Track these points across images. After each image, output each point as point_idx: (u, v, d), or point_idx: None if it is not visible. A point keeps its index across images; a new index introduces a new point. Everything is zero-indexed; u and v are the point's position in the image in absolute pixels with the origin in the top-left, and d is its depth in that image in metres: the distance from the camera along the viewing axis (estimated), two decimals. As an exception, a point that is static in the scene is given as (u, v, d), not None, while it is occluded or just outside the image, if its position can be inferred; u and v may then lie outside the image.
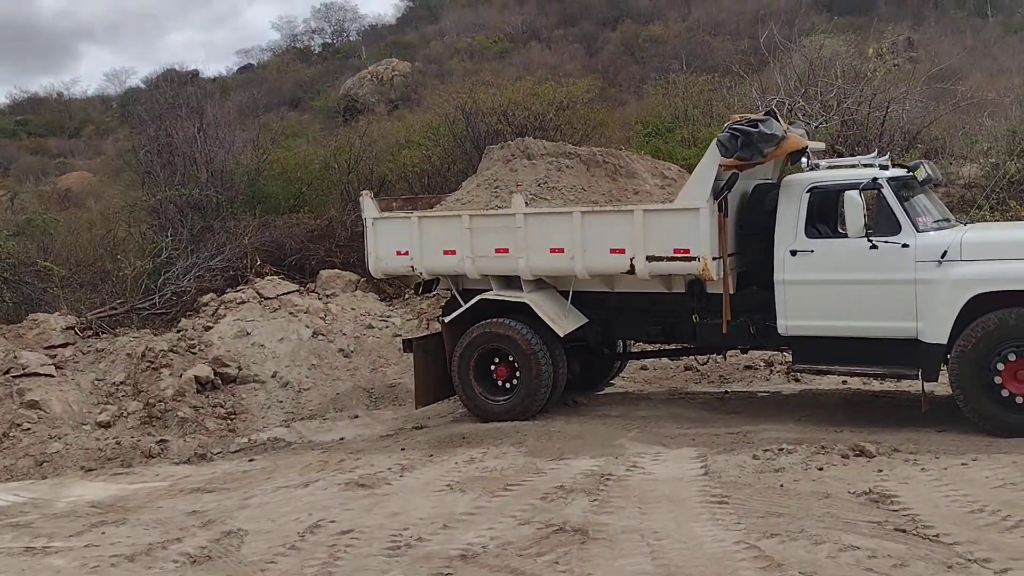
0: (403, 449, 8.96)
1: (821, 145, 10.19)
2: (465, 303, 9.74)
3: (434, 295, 11.02)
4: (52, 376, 11.54)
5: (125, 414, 10.99)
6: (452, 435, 9.22)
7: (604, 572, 5.00)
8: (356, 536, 6.03)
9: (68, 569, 5.93)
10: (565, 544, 5.50)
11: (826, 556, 4.96)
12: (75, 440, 10.30)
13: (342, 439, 10.14)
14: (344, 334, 13.08)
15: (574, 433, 8.78)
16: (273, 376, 12.02)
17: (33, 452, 10.10)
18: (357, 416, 11.24)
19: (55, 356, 12.16)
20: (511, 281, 9.55)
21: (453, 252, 9.50)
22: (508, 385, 9.54)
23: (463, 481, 7.28)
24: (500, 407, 9.50)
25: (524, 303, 9.31)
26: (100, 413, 10.95)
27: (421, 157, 17.25)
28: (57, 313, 12.97)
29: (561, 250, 9.03)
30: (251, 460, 9.53)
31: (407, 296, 14.01)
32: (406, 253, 9.79)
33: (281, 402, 11.59)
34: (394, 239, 9.89)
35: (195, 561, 5.83)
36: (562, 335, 9.29)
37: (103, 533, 6.90)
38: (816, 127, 15.44)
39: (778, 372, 11.27)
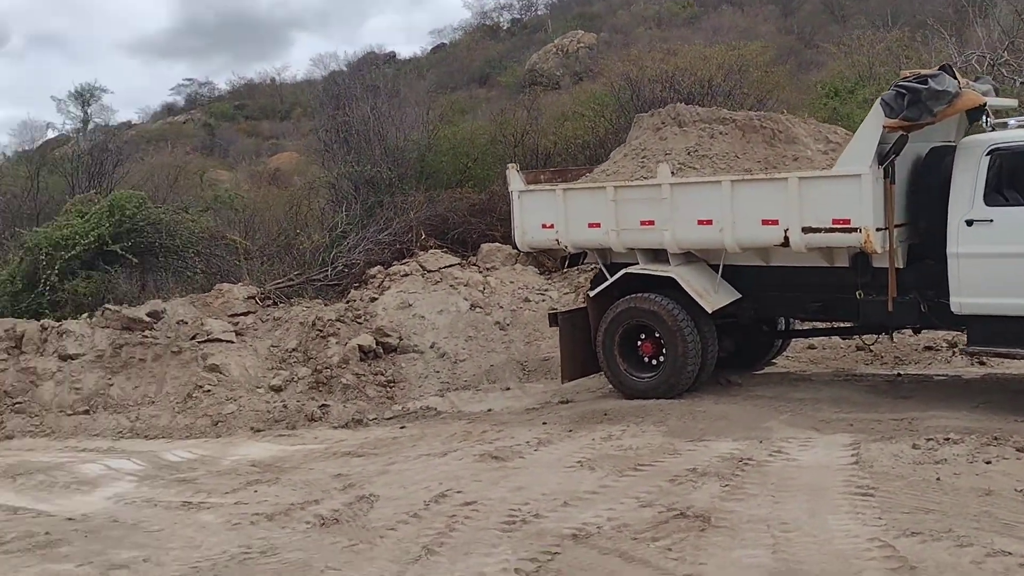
0: (544, 423, 8.92)
1: (1012, 102, 9.11)
2: (611, 277, 9.52)
3: (593, 268, 10.86)
4: (232, 342, 12.37)
5: (295, 379, 11.61)
6: (595, 411, 9.08)
7: (717, 563, 4.73)
8: (477, 508, 6.05)
9: (213, 524, 6.32)
10: (683, 530, 5.26)
11: (969, 561, 4.45)
12: (248, 402, 11.01)
13: (489, 410, 10.24)
14: (501, 307, 13.18)
15: (720, 414, 8.41)
16: (431, 347, 12.31)
17: (211, 412, 10.89)
18: (509, 388, 11.32)
19: (237, 323, 13.02)
20: (658, 254, 9.23)
21: (598, 225, 9.29)
22: (654, 362, 9.26)
23: (594, 458, 7.14)
24: (645, 384, 9.24)
25: (671, 277, 8.97)
26: (273, 378, 11.63)
27: (585, 128, 17.03)
28: (240, 283, 13.87)
29: (709, 222, 8.61)
30: (402, 427, 9.82)
31: (566, 270, 13.94)
32: (551, 226, 9.68)
33: (438, 372, 11.85)
34: (539, 212, 9.80)
35: (324, 523, 6.05)
36: (710, 311, 8.89)
37: (255, 491, 7.32)
38: (1022, 83, 13.90)
39: (960, 354, 10.27)
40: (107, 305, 12.78)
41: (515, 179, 9.98)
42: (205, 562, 5.38)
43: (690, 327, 8.90)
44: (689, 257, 9.14)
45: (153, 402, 11.50)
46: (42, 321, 12.65)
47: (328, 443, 9.33)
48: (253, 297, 13.66)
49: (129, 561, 5.53)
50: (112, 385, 11.86)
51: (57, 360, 12.19)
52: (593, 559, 4.89)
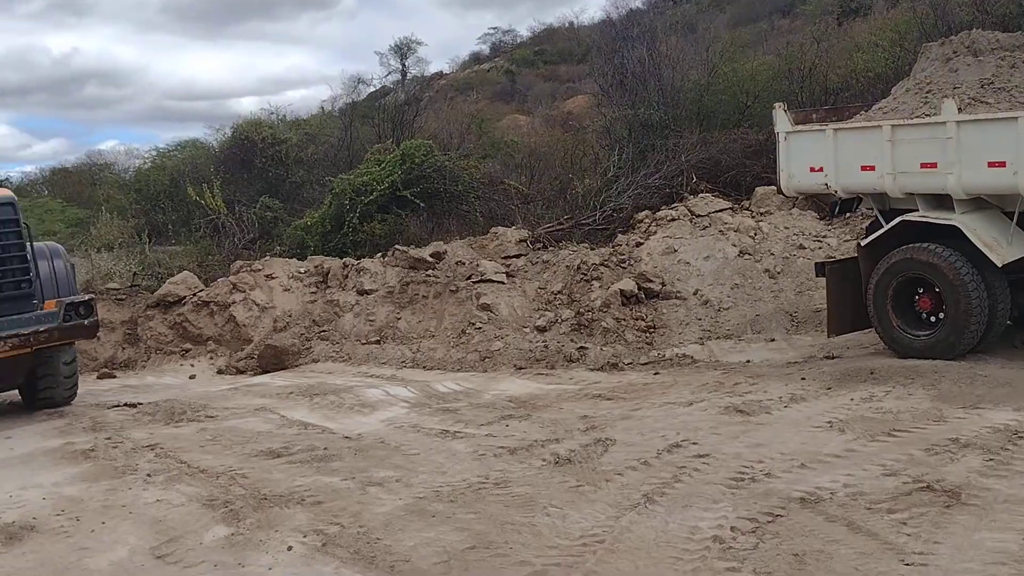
0: (803, 379, 8.53)
1: None
2: (886, 225, 8.77)
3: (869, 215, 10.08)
4: (503, 283, 13.02)
5: (559, 321, 12.00)
6: (860, 369, 8.51)
7: (955, 543, 4.32)
8: (708, 461, 5.98)
9: (461, 453, 6.81)
10: (926, 504, 4.84)
11: None
12: (513, 341, 11.58)
13: (748, 362, 9.96)
14: (772, 254, 12.65)
15: (1004, 380, 7.53)
16: (695, 293, 12.14)
17: (480, 348, 11.60)
18: (773, 340, 10.91)
19: (509, 265, 13.66)
20: (941, 200, 8.33)
21: (872, 168, 8.56)
22: (932, 319, 8.47)
23: (847, 420, 6.73)
24: (920, 343, 8.49)
25: (954, 226, 8.09)
26: (539, 318, 12.11)
27: (879, 61, 15.59)
28: (514, 227, 14.51)
29: (1002, 164, 7.61)
30: (656, 374, 9.85)
31: (848, 215, 13.02)
32: (820, 169, 9.07)
33: (699, 319, 11.68)
34: (807, 154, 9.22)
35: (558, 462, 6.29)
36: (1000, 264, 7.92)
37: (507, 426, 7.75)
38: None
39: None
40: (397, 246, 13.95)
41: (781, 119, 9.44)
42: (446, 488, 5.82)
43: (975, 282, 8.01)
44: (978, 204, 8.17)
45: (433, 336, 12.45)
46: (344, 259, 14.13)
47: (582, 384, 9.61)
48: (525, 240, 14.24)
49: (384, 479, 6.13)
50: (400, 319, 13.01)
51: (355, 294, 13.59)
52: (816, 525, 4.66)
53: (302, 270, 14.25)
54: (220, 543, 5.05)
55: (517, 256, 14.00)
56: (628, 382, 9.52)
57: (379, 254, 14.16)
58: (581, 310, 12.06)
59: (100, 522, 5.60)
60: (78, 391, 10.17)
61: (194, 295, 13.98)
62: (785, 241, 12.91)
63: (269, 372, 12.08)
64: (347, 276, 13.88)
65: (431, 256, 13.84)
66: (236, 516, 5.48)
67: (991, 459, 5.53)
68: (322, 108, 24.26)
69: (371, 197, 15.21)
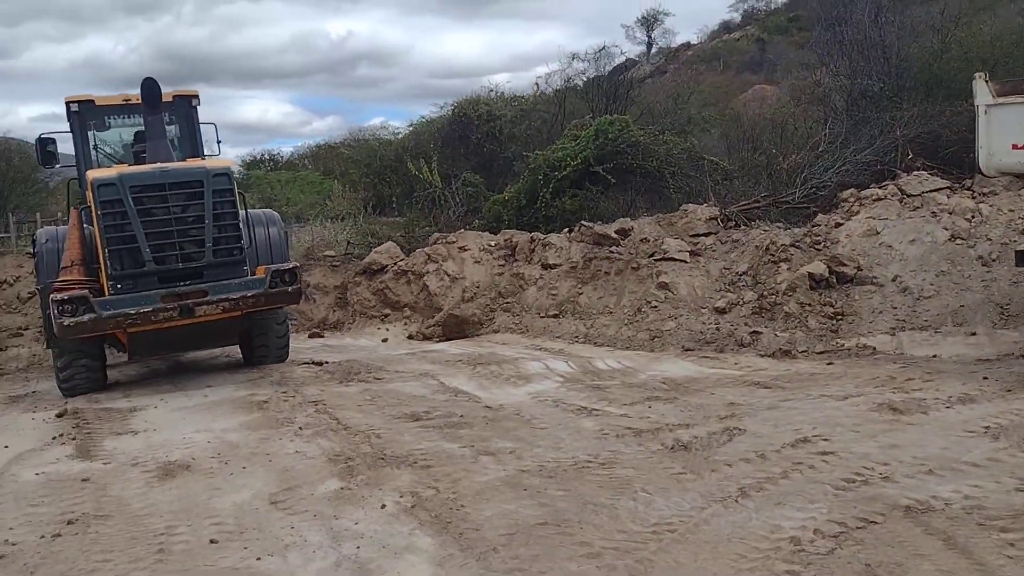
0: (985, 378, 7.72)
1: None
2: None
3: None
4: (686, 262, 12.74)
5: (740, 303, 11.57)
6: (1058, 372, 7.54)
7: (1062, 576, 3.79)
8: (829, 459, 5.61)
9: (587, 431, 6.83)
10: (1053, 529, 4.27)
11: None
12: (686, 321, 11.33)
13: (934, 356, 9.12)
14: (989, 239, 11.40)
15: None
16: (893, 280, 11.22)
17: (652, 327, 11.46)
18: (974, 334, 9.87)
19: (696, 244, 13.33)
20: None
21: (1085, 145, 7.49)
22: None
23: (1007, 427, 6.03)
24: None
25: None
26: (719, 300, 11.74)
27: None
28: (705, 204, 14.10)
29: None
30: (829, 363, 9.28)
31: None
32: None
33: (895, 308, 10.79)
34: (1012, 129, 8.21)
35: (674, 447, 6.16)
36: None
37: (648, 407, 7.66)
38: None
39: None
40: (583, 221, 14.03)
41: (982, 90, 8.46)
42: (552, 463, 5.89)
43: None
44: None
45: (611, 312, 12.44)
46: (532, 234, 14.42)
47: (746, 370, 9.25)
48: (715, 218, 13.80)
49: (499, 450, 6.30)
50: (581, 294, 13.12)
51: (540, 268, 13.86)
52: (910, 536, 4.26)
53: (492, 243, 14.72)
54: (328, 495, 5.46)
55: (706, 234, 13.62)
56: (795, 371, 9.05)
57: (566, 229, 14.30)
58: (765, 292, 11.55)
59: (241, 467, 6.22)
60: (290, 349, 11.14)
61: (395, 264, 14.88)
62: (1007, 225, 11.58)
63: (451, 340, 12.66)
64: (533, 250, 14.17)
65: (616, 232, 13.80)
66: (351, 472, 5.88)
67: None
68: (536, 85, 24.60)
69: (564, 172, 15.35)
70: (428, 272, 14.36)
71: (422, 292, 14.29)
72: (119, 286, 8.99)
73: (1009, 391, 7.09)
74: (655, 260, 12.84)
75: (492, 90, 25.12)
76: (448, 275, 14.29)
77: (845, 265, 11.51)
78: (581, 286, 13.26)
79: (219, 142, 11.87)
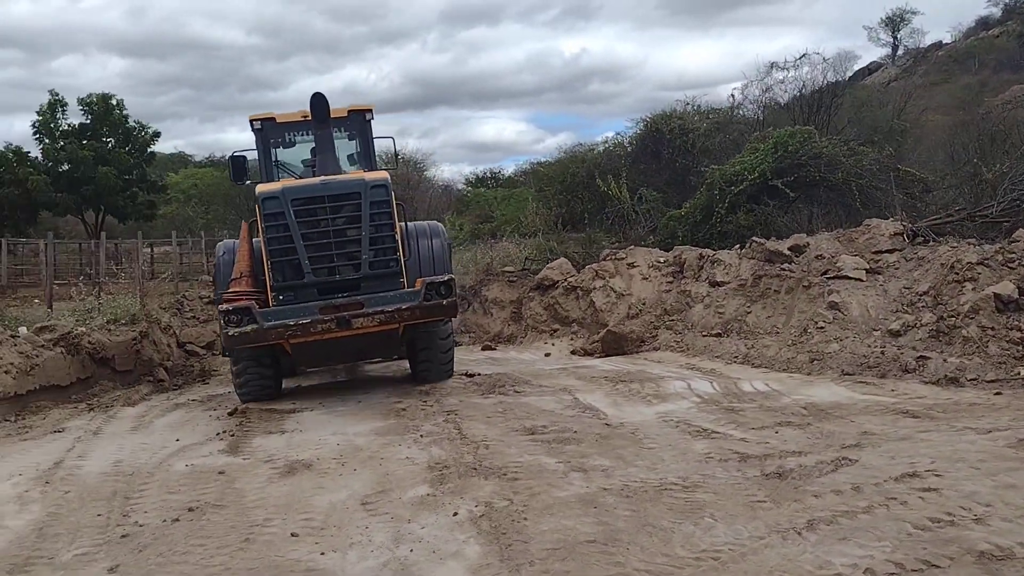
0: None
1: None
2: None
3: None
4: (861, 280, 11.99)
5: (917, 325, 10.74)
6: None
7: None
8: (926, 497, 5.18)
9: (693, 453, 6.68)
10: None
11: None
12: (852, 344, 10.67)
13: None
14: None
15: None
16: (1097, 302, 10.00)
17: (814, 349, 10.89)
18: None
19: (878, 261, 12.51)
20: None
21: None
22: None
23: None
24: None
25: None
26: (894, 321, 10.97)
27: None
28: (892, 219, 13.19)
29: None
30: (997, 394, 8.44)
31: None
32: None
33: (1098, 334, 9.60)
34: None
35: (767, 475, 5.92)
36: None
37: (776, 432, 7.38)
38: None
39: None
40: (755, 238, 13.59)
41: None
42: (636, 483, 5.86)
43: None
44: None
45: (778, 332, 11.97)
46: (700, 250, 14.15)
47: (901, 398, 8.62)
48: (900, 234, 12.90)
49: (594, 467, 6.34)
50: (750, 313, 12.72)
51: (708, 285, 13.59)
52: (969, 587, 3.90)
53: (661, 259, 14.59)
54: (413, 500, 5.77)
55: (889, 251, 12.76)
56: (955, 400, 8.31)
57: (736, 246, 13.90)
58: (945, 314, 10.65)
59: (353, 468, 6.69)
60: (455, 363, 11.03)
61: (565, 280, 15.13)
62: None
63: (610, 356, 12.70)
64: (702, 267, 13.91)
65: (789, 249, 13.26)
66: (442, 480, 6.16)
67: None
68: (732, 96, 23.97)
69: (740, 187, 14.92)
70: (595, 288, 14.49)
71: (589, 308, 14.44)
72: (281, 297, 9.29)
73: None
74: (827, 278, 12.21)
75: (688, 103, 24.80)
76: (614, 291, 14.34)
77: (1040, 285, 10.38)
78: (749, 305, 12.84)
79: (397, 155, 12.17)
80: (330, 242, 9.32)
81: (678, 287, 13.93)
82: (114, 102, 34.45)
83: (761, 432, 7.39)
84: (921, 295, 11.29)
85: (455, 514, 5.41)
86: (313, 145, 10.99)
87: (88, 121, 34.25)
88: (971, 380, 9.08)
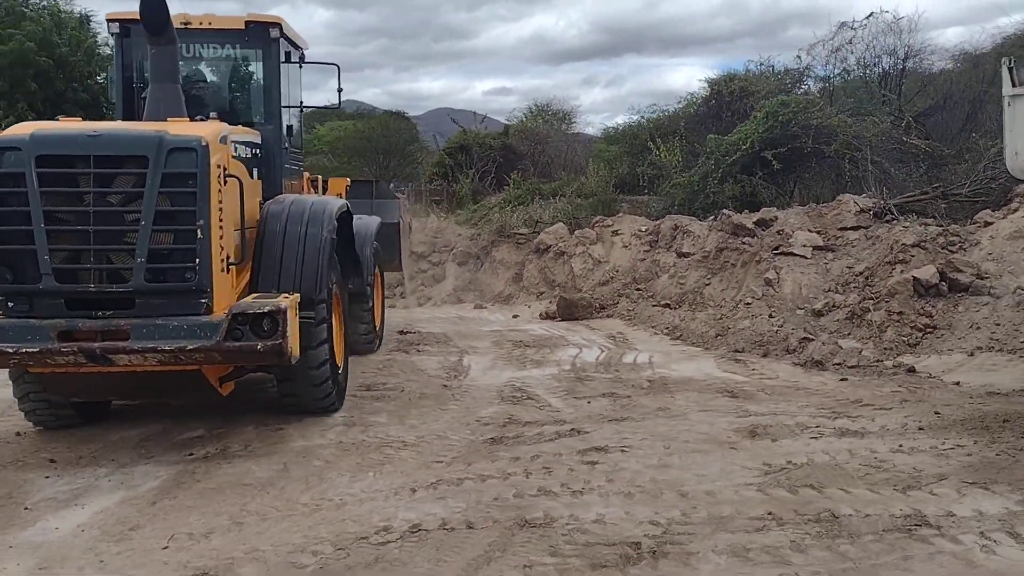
0: (937, 413, 6.72)
1: None
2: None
3: None
4: (806, 258, 11.91)
5: (841, 306, 10.69)
6: None
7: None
8: (552, 470, 5.67)
9: (472, 413, 7.35)
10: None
11: None
12: (760, 322, 10.76)
13: (958, 383, 7.92)
14: None
15: None
16: (1014, 292, 9.65)
17: (727, 325, 11.07)
18: (1057, 365, 8.29)
19: (838, 238, 12.33)
20: None
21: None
22: None
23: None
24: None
25: None
26: (820, 301, 10.93)
27: None
28: (866, 195, 12.88)
29: None
30: (842, 379, 8.50)
31: None
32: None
33: (997, 325, 9.32)
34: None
35: (488, 440, 6.52)
36: None
37: (588, 403, 7.87)
38: None
39: None
40: (724, 210, 13.58)
41: (1006, 79, 7.12)
42: (376, 439, 6.63)
43: None
44: None
45: (721, 306, 12.12)
46: (677, 219, 14.27)
47: (751, 377, 8.84)
48: (869, 210, 12.60)
49: (367, 423, 7.15)
50: (708, 285, 12.88)
51: (675, 256, 13.76)
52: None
53: (643, 228, 14.81)
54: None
55: (854, 228, 12.56)
56: (795, 383, 8.45)
57: (710, 217, 13.94)
58: (868, 296, 10.56)
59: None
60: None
61: (556, 244, 15.62)
62: None
63: (566, 320, 13.17)
64: (674, 238, 14.05)
65: (755, 223, 13.22)
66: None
67: None
68: (798, 57, 22.88)
69: (734, 157, 14.81)
70: (576, 254, 14.92)
71: (569, 273, 14.91)
72: (10, 305, 5.80)
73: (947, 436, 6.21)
74: (775, 254, 12.19)
75: (762, 63, 24.02)
76: (592, 258, 14.73)
77: (961, 271, 10.12)
78: (709, 277, 12.97)
79: (340, 91, 8.50)
80: (88, 230, 5.69)
81: (651, 256, 14.15)
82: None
83: (574, 401, 7.88)
84: (857, 275, 11.17)
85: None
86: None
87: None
88: (836, 364, 9.11)
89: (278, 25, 8.12)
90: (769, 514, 4.75)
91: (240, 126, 7.38)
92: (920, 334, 9.65)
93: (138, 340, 5.70)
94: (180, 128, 6.14)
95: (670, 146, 20.64)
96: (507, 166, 35.39)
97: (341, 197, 9.88)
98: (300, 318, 6.33)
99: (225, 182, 6.13)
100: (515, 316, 14.09)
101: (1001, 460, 5.50)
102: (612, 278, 14.17)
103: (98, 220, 5.73)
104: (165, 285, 5.86)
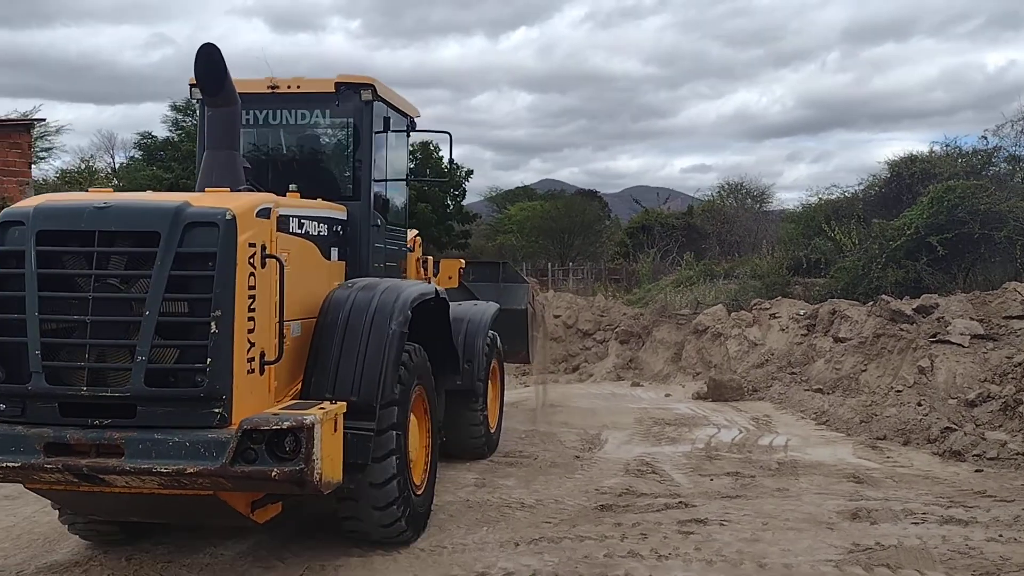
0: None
1: None
2: None
3: None
4: (963, 346, 11.60)
5: (995, 397, 10.39)
6: None
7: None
8: (677, 542, 6.13)
9: (594, 482, 7.93)
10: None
11: None
12: (907, 410, 10.59)
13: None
14: None
15: None
16: None
17: (873, 412, 10.95)
18: None
19: (1002, 327, 11.94)
20: None
21: None
22: None
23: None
24: None
25: None
26: (975, 391, 10.66)
27: None
28: (1034, 283, 12.39)
29: None
30: (978, 471, 8.36)
31: None
32: None
33: None
34: None
35: (596, 507, 7.07)
36: None
37: (711, 480, 8.26)
38: None
39: None
40: (883, 295, 13.42)
41: None
42: (496, 499, 7.36)
43: None
44: None
45: (874, 393, 12.00)
46: (836, 304, 14.21)
47: (884, 464, 8.85)
48: (1038, 299, 12.10)
49: (496, 484, 7.89)
50: (864, 371, 12.76)
51: (832, 341, 13.70)
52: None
53: (802, 312, 14.82)
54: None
55: (1020, 317, 12.08)
56: (931, 473, 8.39)
57: (869, 303, 13.80)
58: (1023, 387, 10.22)
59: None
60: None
61: (714, 326, 15.90)
62: None
63: (716, 401, 13.40)
64: (832, 322, 13.98)
65: (914, 310, 12.98)
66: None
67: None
68: (984, 137, 22.02)
69: (898, 243, 14.61)
70: (731, 336, 15.13)
71: (725, 354, 15.12)
72: (2, 407, 4.85)
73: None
74: (932, 342, 11.95)
75: (948, 144, 23.32)
76: (747, 340, 14.89)
77: None
78: (866, 363, 12.84)
79: (452, 163, 7.73)
80: (85, 320, 4.76)
81: (808, 341, 14.14)
82: (432, 147, 40.01)
83: (697, 478, 8.27)
84: (1016, 366, 10.80)
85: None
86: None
87: (413, 165, 40.26)
88: (975, 456, 8.91)
89: (371, 87, 7.23)
90: (834, 587, 5.03)
91: (321, 200, 6.61)
92: (1082, 429, 9.24)
93: (132, 458, 4.59)
94: (208, 199, 5.12)
95: (845, 228, 20.39)
96: (690, 245, 35.84)
97: (453, 281, 9.44)
98: (355, 431, 5.29)
99: (264, 264, 5.02)
100: (667, 395, 14.44)
101: (1097, 556, 5.44)
102: (767, 361, 14.27)
103: (97, 308, 4.73)
104: (169, 391, 4.73)
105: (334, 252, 6.63)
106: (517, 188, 72.11)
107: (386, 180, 7.63)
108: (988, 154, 21.98)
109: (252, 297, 4.90)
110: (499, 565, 5.60)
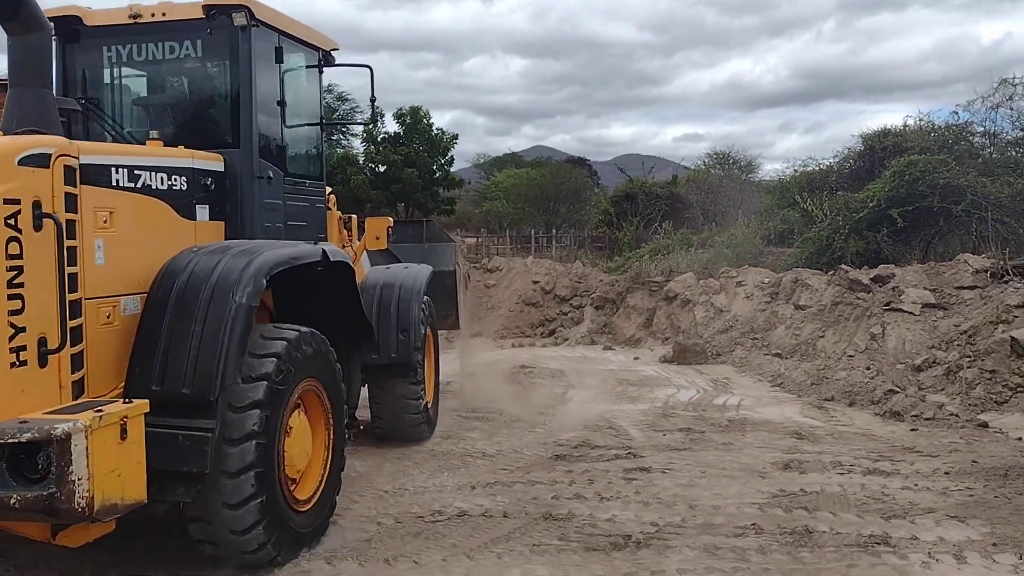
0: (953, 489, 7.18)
1: None
2: None
3: None
4: (914, 314, 12.18)
5: (940, 362, 10.98)
6: None
7: None
8: (616, 482, 6.67)
9: (537, 434, 8.47)
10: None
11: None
12: (855, 374, 11.17)
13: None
14: None
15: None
16: (1113, 356, 9.67)
17: (824, 376, 11.52)
18: None
19: (953, 296, 12.51)
20: None
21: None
22: None
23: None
24: None
25: None
26: (922, 357, 11.23)
27: None
28: (985, 255, 12.95)
29: None
30: (913, 429, 8.93)
31: None
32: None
33: (1092, 389, 9.41)
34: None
35: (554, 456, 7.61)
36: None
37: (663, 435, 8.80)
38: None
39: None
40: (842, 265, 13.97)
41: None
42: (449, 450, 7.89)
43: None
44: None
45: (829, 357, 12.58)
46: (798, 272, 14.75)
47: (828, 422, 9.40)
48: (987, 271, 12.67)
49: (460, 435, 8.42)
50: (822, 337, 13.35)
51: (793, 308, 14.27)
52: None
53: (766, 280, 15.37)
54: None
55: (971, 287, 12.67)
56: (870, 431, 8.95)
57: (831, 272, 14.34)
58: (967, 354, 10.81)
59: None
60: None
61: (683, 293, 16.43)
62: None
63: (680, 364, 13.95)
64: (794, 291, 14.54)
65: (871, 279, 13.54)
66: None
67: None
68: (955, 113, 22.51)
69: (860, 214, 15.13)
70: (699, 303, 15.68)
71: (692, 320, 15.68)
72: None
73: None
74: (885, 309, 12.52)
75: (921, 118, 23.77)
76: (714, 307, 15.44)
77: (1064, 334, 10.18)
78: (824, 330, 13.42)
79: (375, 108, 7.18)
80: None
81: (771, 308, 14.70)
82: (422, 112, 40.14)
83: (651, 433, 8.82)
84: (961, 334, 11.38)
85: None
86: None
87: (401, 131, 40.30)
88: (913, 416, 9.48)
89: (245, 8, 5.84)
90: (753, 525, 5.59)
91: (182, 147, 5.50)
92: (1011, 392, 9.85)
93: None
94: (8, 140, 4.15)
95: (817, 200, 20.88)
96: (673, 215, 36.29)
97: (381, 241, 8.26)
98: (186, 431, 4.34)
99: (39, 226, 3.99)
100: (636, 359, 14.98)
101: (995, 501, 6.01)
102: (731, 327, 14.83)
103: None
104: None
105: (201, 210, 5.51)
106: (505, 155, 72.17)
107: (283, 124, 6.29)
108: (959, 128, 22.48)
109: (15, 269, 3.87)
110: (455, 504, 6.13)
